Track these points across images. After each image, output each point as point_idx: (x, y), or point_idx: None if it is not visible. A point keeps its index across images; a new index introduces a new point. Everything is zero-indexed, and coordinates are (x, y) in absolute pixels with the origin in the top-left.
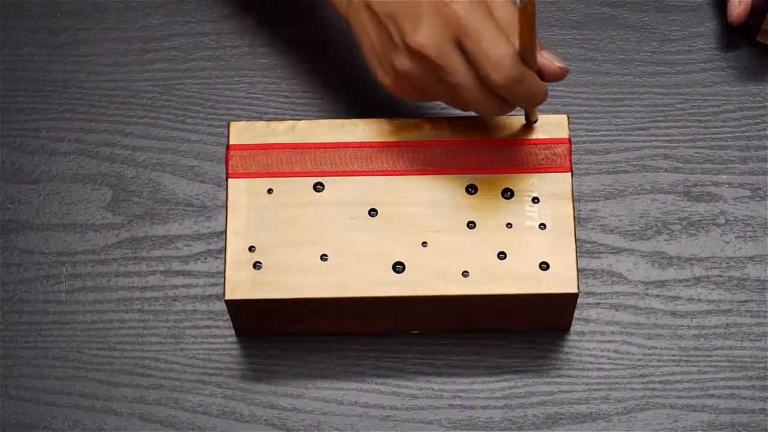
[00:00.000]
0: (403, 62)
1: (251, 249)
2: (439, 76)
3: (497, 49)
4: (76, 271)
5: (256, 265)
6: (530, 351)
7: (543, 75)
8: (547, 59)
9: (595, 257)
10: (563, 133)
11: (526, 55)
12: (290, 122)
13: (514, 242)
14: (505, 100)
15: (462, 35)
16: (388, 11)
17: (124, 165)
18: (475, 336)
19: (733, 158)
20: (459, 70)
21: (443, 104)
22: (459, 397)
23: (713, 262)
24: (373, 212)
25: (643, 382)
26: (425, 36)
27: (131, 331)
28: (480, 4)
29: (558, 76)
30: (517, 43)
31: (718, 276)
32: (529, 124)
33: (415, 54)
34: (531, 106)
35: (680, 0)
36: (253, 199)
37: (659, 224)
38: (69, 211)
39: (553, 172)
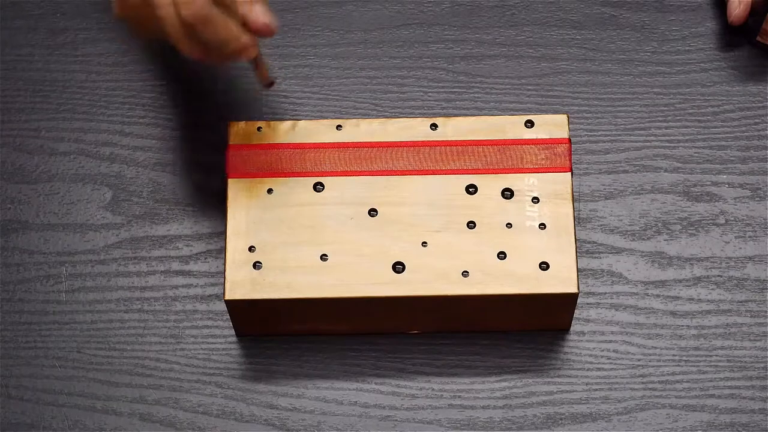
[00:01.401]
0: None
1: (251, 249)
2: (149, 8)
3: None
4: (76, 271)
5: (256, 265)
6: (530, 351)
7: (248, 26)
8: (254, 12)
9: (595, 257)
10: (563, 133)
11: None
12: (290, 122)
13: (514, 242)
14: (203, 44)
15: None
16: None
17: (124, 165)
18: (475, 336)
19: (733, 158)
20: (162, 3)
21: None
22: (459, 397)
23: (713, 262)
24: (373, 212)
25: (643, 382)
26: None
27: (131, 331)
28: None
29: (262, 32)
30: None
31: (718, 276)
32: (264, 86)
33: None
34: (225, 53)
35: (680, 0)
36: (253, 199)
37: (659, 224)
38: (69, 211)
39: (553, 172)
